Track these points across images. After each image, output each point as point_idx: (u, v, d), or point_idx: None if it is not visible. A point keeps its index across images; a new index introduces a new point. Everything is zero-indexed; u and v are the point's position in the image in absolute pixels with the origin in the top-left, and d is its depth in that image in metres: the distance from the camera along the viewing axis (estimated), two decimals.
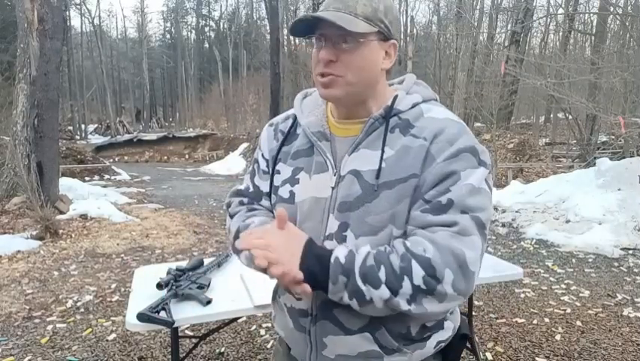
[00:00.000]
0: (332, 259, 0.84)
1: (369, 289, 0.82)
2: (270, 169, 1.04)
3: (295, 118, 1.04)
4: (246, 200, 1.09)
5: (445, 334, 0.99)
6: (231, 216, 1.09)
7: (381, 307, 0.84)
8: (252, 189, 1.09)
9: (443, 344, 0.99)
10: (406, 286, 0.82)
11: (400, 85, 1.01)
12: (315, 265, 0.84)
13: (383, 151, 0.90)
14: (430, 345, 0.96)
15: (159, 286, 1.89)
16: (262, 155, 1.08)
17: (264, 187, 1.06)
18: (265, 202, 1.07)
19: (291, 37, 31.21)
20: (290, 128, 1.04)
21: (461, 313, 3.08)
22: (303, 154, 0.99)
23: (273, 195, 1.03)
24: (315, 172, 0.96)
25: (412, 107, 0.95)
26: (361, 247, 0.86)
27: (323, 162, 0.95)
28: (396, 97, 0.95)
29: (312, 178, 0.96)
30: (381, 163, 0.89)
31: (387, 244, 0.88)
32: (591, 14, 15.52)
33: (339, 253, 0.85)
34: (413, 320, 0.91)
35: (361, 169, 0.91)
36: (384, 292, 0.82)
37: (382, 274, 0.82)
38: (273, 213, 1.05)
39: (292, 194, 0.98)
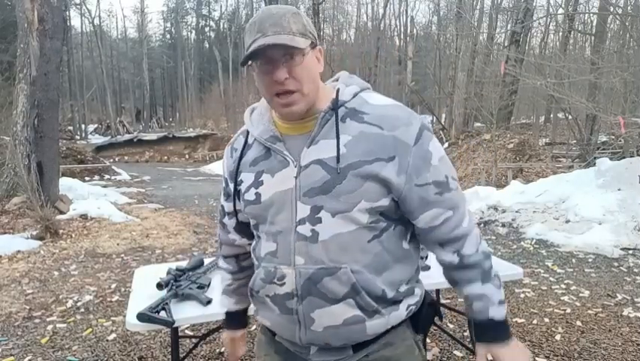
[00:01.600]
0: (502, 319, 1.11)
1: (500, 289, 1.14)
2: (233, 182, 1.16)
3: (247, 133, 1.16)
4: (218, 236, 1.34)
5: (414, 299, 1.12)
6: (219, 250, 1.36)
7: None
8: (219, 208, 1.28)
9: (414, 308, 1.12)
10: (497, 278, 1.15)
11: (337, 81, 1.14)
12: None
13: (338, 138, 1.02)
14: (403, 308, 1.09)
15: (159, 286, 1.89)
16: (223, 175, 1.23)
17: (227, 207, 1.23)
18: (227, 220, 1.26)
19: None
20: (244, 142, 1.16)
21: (461, 313, 3.05)
22: (261, 159, 1.10)
23: (240, 202, 1.15)
24: (277, 170, 1.07)
25: (354, 96, 1.08)
26: (486, 289, 1.12)
27: (282, 160, 1.06)
28: (338, 90, 1.07)
29: (274, 176, 1.07)
30: (338, 148, 1.01)
31: (361, 218, 1.01)
32: (591, 14, 15.53)
33: (498, 313, 1.12)
34: (392, 284, 1.06)
35: (323, 157, 1.02)
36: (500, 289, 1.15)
37: (496, 282, 1.15)
38: (235, 228, 1.25)
39: (258, 195, 1.08)
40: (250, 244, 1.21)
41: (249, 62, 1.03)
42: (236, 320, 1.37)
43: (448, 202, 1.06)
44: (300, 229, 1.02)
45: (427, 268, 2.10)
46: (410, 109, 1.10)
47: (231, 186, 1.16)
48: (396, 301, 1.08)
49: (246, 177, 1.12)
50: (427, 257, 2.15)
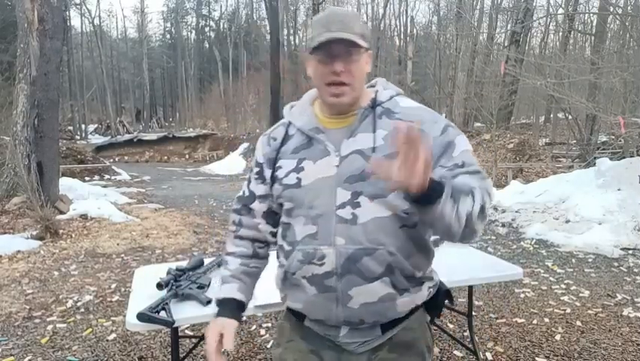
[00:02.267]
0: (437, 178, 1.02)
1: (463, 198, 1.03)
2: (271, 168, 1.24)
3: (287, 124, 1.27)
4: (237, 219, 1.34)
5: (433, 282, 1.25)
6: (228, 236, 1.37)
7: (462, 215, 1.03)
8: (247, 194, 1.32)
9: (432, 291, 1.25)
10: (476, 204, 1.05)
11: (375, 85, 1.27)
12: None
13: (375, 132, 1.16)
14: (425, 289, 1.22)
15: (159, 286, 1.89)
16: (256, 161, 1.30)
17: (259, 190, 1.29)
18: (256, 204, 1.30)
19: (291, 38, 31.27)
20: (285, 133, 1.26)
21: (461, 313, 3.06)
22: (302, 148, 1.20)
23: (276, 186, 1.22)
24: (318, 158, 1.17)
25: (390, 98, 1.22)
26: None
27: (324, 149, 1.17)
28: (377, 92, 1.23)
29: (316, 163, 1.17)
30: (375, 141, 1.14)
31: (395, 202, 1.11)
32: (591, 14, 15.53)
33: (435, 175, 1.03)
34: (417, 267, 1.17)
35: (362, 148, 1.15)
36: (468, 202, 1.03)
37: (462, 189, 1.04)
38: (264, 214, 1.30)
39: (298, 180, 1.17)
40: (271, 233, 1.30)
41: (310, 53, 1.15)
42: (234, 309, 1.27)
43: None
44: (341, 213, 1.12)
45: None
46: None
47: (268, 171, 1.25)
48: (421, 282, 1.20)
49: (286, 164, 1.21)
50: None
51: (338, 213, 1.13)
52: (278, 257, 1.26)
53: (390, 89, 1.25)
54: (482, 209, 1.08)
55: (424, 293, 1.21)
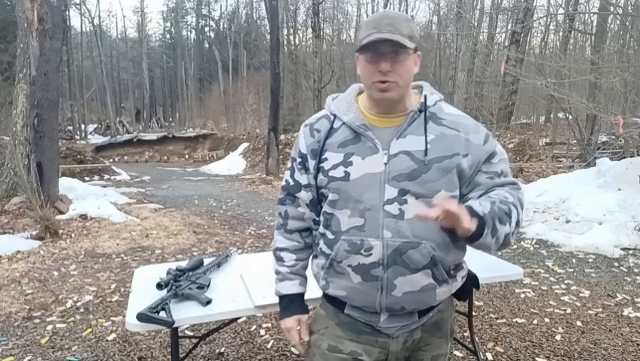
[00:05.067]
0: (480, 213, 1.13)
1: (501, 227, 1.16)
2: (316, 159, 1.28)
3: (331, 117, 1.30)
4: (283, 211, 1.39)
5: (464, 272, 1.35)
6: (277, 229, 1.42)
7: (500, 240, 1.18)
8: (292, 183, 1.36)
9: (464, 279, 1.35)
10: (513, 220, 1.19)
11: (421, 88, 1.32)
12: (477, 218, 1.14)
13: (426, 135, 1.21)
14: (459, 279, 1.31)
15: (159, 286, 1.89)
16: (299, 151, 1.33)
17: (303, 180, 1.33)
18: (302, 193, 1.34)
19: (291, 38, 31.20)
20: (330, 125, 1.29)
21: (461, 313, 3.05)
22: (350, 142, 1.24)
23: (321, 177, 1.27)
24: (367, 154, 1.22)
25: (435, 103, 1.27)
26: (479, 201, 1.19)
27: (372, 146, 1.22)
28: (425, 96, 1.27)
29: (365, 159, 1.22)
30: (426, 144, 1.20)
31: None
32: (591, 14, 15.52)
33: (476, 207, 1.15)
34: (454, 261, 1.26)
35: (411, 149, 1.21)
36: (507, 227, 1.17)
37: (502, 214, 1.16)
38: (309, 202, 1.33)
39: (347, 173, 1.22)
40: (314, 220, 1.34)
41: (358, 54, 1.21)
42: (301, 303, 1.39)
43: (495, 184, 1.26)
44: (388, 208, 1.19)
45: None
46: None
47: (312, 162, 1.29)
48: (456, 273, 1.29)
49: (333, 156, 1.25)
50: None
51: (386, 209, 1.19)
52: (317, 245, 1.32)
53: (436, 94, 1.30)
54: (517, 224, 1.21)
55: (458, 283, 1.31)
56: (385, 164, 1.20)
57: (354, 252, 1.21)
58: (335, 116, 1.30)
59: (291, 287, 1.38)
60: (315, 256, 1.36)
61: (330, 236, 1.26)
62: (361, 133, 1.23)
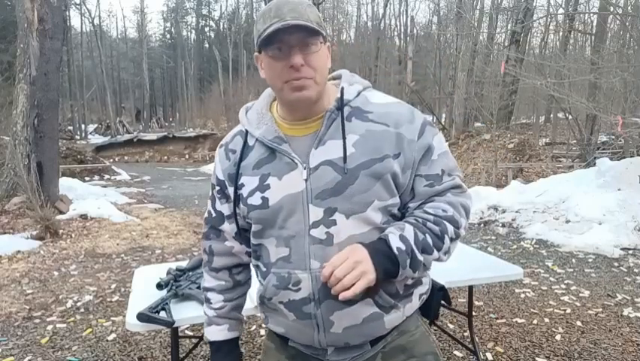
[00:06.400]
0: (395, 251, 0.97)
1: (425, 257, 1.01)
2: (233, 185, 1.10)
3: (245, 133, 1.11)
4: (207, 247, 1.20)
5: (424, 288, 1.14)
6: (203, 267, 1.24)
7: (428, 267, 1.04)
8: (214, 215, 1.19)
9: (425, 297, 1.15)
10: (446, 242, 1.03)
11: (340, 79, 1.12)
12: (385, 261, 0.97)
13: (344, 138, 1.01)
14: (415, 298, 1.11)
15: (159, 286, 1.89)
16: (217, 177, 1.16)
17: (225, 210, 1.15)
18: (226, 225, 1.16)
19: None
20: (243, 143, 1.10)
21: (461, 313, 3.05)
22: (265, 161, 1.06)
23: (242, 207, 1.09)
24: (284, 173, 1.03)
25: (357, 95, 1.07)
26: (404, 228, 1.00)
27: (290, 161, 1.03)
28: (342, 89, 1.06)
29: (282, 179, 1.03)
30: (345, 149, 1.00)
31: (374, 217, 1.02)
32: (591, 14, 15.53)
33: (396, 242, 0.98)
34: (402, 280, 1.06)
35: (332, 157, 1.01)
36: (435, 254, 1.02)
37: (430, 241, 1.01)
38: (235, 235, 1.15)
39: (265, 199, 1.04)
40: (247, 253, 1.17)
41: (259, 51, 1.02)
42: (231, 350, 1.24)
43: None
44: (314, 232, 1.01)
45: None
46: (411, 105, 1.11)
47: (231, 189, 1.11)
48: (409, 293, 1.10)
49: (249, 181, 1.07)
50: None
51: (311, 234, 1.01)
52: (257, 275, 1.15)
53: (357, 84, 1.10)
54: (455, 239, 1.05)
55: (414, 303, 1.11)
56: (306, 180, 1.01)
57: (282, 287, 1.04)
58: (247, 131, 1.10)
59: (217, 333, 1.22)
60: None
61: (262, 268, 1.09)
62: (275, 148, 1.04)
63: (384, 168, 1.00)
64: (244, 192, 1.07)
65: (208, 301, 1.21)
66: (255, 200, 1.05)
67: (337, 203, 1.00)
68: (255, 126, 1.09)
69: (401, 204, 1.06)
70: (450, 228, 1.03)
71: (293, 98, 1.01)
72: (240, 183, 1.08)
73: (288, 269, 1.03)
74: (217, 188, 1.16)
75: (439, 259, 1.04)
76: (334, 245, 1.00)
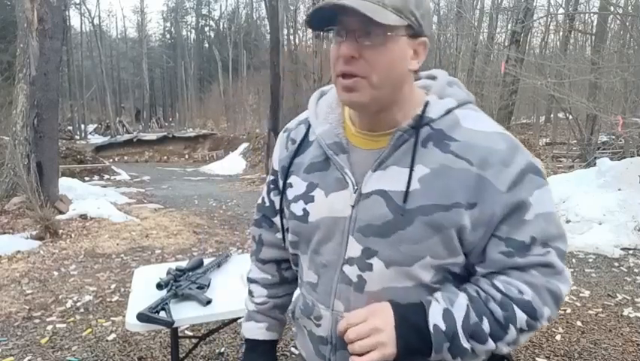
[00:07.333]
0: (431, 328, 0.76)
1: (474, 345, 0.77)
2: (282, 181, 0.95)
3: (308, 124, 0.93)
4: (257, 235, 1.09)
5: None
6: (250, 255, 1.13)
7: (479, 355, 0.80)
8: (267, 204, 1.05)
9: None
10: (511, 333, 0.78)
11: (430, 84, 0.88)
12: (412, 336, 0.77)
13: (412, 169, 0.78)
14: None
15: (159, 286, 1.89)
16: (272, 167, 1.02)
17: (277, 203, 1.00)
18: (277, 219, 1.02)
19: (291, 38, 31.20)
20: (303, 136, 0.93)
21: None
22: (317, 168, 0.88)
23: (285, 210, 0.95)
24: (332, 190, 0.85)
25: (446, 113, 0.81)
26: (456, 300, 0.78)
27: (341, 178, 0.84)
28: (427, 103, 0.82)
29: (328, 197, 0.86)
30: (409, 184, 0.78)
31: (421, 274, 0.81)
32: (591, 14, 15.53)
33: (436, 317, 0.77)
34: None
35: (390, 189, 0.80)
36: (490, 345, 0.78)
37: (486, 327, 0.77)
38: (283, 232, 1.00)
39: (305, 212, 0.88)
40: None
41: (314, 29, 0.81)
42: (265, 352, 1.06)
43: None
44: (347, 270, 0.84)
45: None
46: (517, 142, 0.81)
47: (281, 183, 0.96)
48: None
49: (297, 183, 0.91)
50: None
51: (344, 270, 0.84)
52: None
53: (451, 98, 0.83)
54: (526, 330, 0.79)
55: None
56: (352, 206, 0.82)
57: (306, 314, 0.93)
58: (310, 124, 0.93)
59: (255, 331, 1.06)
60: None
61: (298, 280, 0.98)
62: (330, 156, 0.85)
63: (449, 221, 0.77)
64: (290, 194, 0.93)
65: (250, 293, 1.09)
66: (297, 209, 0.90)
67: (379, 246, 0.80)
68: (320, 121, 0.90)
69: (466, 262, 0.82)
70: (521, 316, 0.78)
71: (342, 100, 0.82)
72: (288, 181, 0.93)
73: (313, 298, 0.91)
74: (271, 178, 1.02)
75: (496, 350, 0.79)
76: (364, 293, 0.83)
